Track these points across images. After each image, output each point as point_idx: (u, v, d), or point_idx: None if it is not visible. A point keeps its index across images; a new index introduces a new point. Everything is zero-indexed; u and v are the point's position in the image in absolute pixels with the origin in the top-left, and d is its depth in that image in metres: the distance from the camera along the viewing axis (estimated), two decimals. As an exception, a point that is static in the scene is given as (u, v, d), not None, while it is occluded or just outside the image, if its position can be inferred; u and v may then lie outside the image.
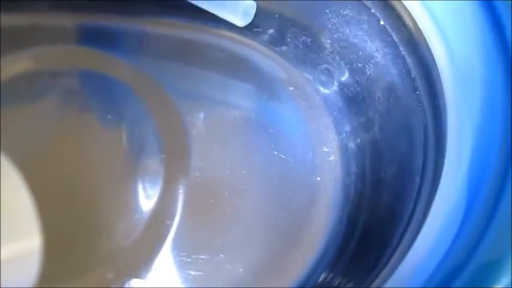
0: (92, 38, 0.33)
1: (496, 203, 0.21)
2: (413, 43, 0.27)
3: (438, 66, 0.24)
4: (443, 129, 0.23)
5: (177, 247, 0.30)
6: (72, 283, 0.28)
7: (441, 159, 0.23)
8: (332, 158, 0.32)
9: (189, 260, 0.30)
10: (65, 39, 0.33)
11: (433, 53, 0.25)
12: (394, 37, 0.28)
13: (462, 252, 0.21)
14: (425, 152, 0.26)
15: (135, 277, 0.29)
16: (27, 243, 0.24)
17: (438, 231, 0.22)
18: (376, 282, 0.22)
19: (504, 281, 0.20)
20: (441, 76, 0.24)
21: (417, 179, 0.26)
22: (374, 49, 0.30)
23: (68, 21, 0.33)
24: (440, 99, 0.24)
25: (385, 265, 0.23)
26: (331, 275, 0.30)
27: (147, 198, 0.30)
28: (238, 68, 0.34)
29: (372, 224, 0.30)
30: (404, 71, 0.28)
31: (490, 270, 0.20)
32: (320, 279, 0.30)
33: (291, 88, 0.34)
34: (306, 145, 0.33)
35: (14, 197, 0.24)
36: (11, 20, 0.32)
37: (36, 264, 0.23)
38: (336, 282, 0.29)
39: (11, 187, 0.24)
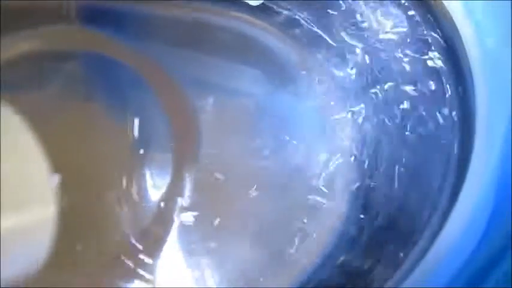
0: (96, 19, 0.32)
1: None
2: (436, 19, 0.26)
3: (465, 46, 0.24)
4: (471, 119, 0.23)
5: (187, 234, 0.30)
6: (79, 272, 0.28)
7: (467, 150, 0.23)
8: (346, 142, 0.32)
9: (199, 247, 0.30)
10: (68, 20, 0.32)
11: (460, 32, 0.24)
12: (415, 14, 0.27)
13: (490, 249, 0.21)
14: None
15: (144, 266, 0.29)
16: (41, 212, 0.24)
17: (465, 225, 0.21)
18: (396, 279, 0.22)
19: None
20: (468, 57, 0.24)
21: (441, 168, 0.25)
22: (390, 29, 0.29)
23: (71, 0, 0.31)
24: (468, 84, 0.24)
25: (407, 253, 0.23)
26: (350, 256, 0.29)
27: (155, 185, 0.30)
28: (249, 51, 0.33)
29: (391, 209, 0.30)
30: (424, 50, 0.27)
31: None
32: (338, 262, 0.29)
33: (304, 72, 0.33)
34: (320, 130, 0.32)
35: (29, 162, 0.24)
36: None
37: (48, 236, 0.23)
38: (356, 265, 0.29)
39: (25, 152, 0.24)
